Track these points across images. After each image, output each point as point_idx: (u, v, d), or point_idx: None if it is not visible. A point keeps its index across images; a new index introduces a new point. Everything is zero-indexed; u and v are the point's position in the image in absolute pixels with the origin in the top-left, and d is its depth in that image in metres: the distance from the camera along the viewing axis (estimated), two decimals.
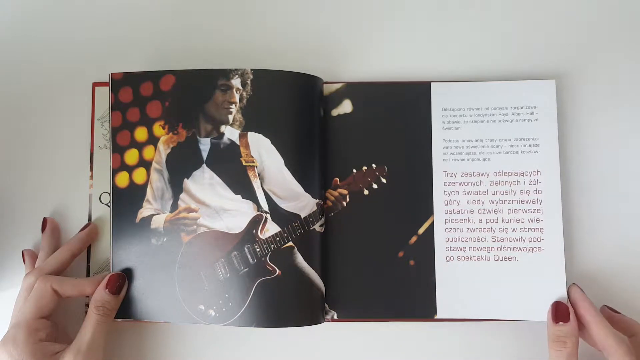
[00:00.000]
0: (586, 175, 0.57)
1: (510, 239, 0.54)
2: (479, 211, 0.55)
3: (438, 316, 0.54)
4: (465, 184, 0.55)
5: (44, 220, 0.56)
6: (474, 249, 0.54)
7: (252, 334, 0.56)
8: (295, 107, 0.54)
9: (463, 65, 0.58)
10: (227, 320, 0.52)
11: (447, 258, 0.54)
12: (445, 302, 0.54)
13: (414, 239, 0.55)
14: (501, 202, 0.55)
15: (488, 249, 0.54)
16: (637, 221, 0.56)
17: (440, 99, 0.56)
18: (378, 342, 0.56)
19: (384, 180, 0.56)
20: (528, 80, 0.56)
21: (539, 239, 0.54)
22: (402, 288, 0.54)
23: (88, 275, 0.56)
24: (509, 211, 0.55)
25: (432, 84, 0.56)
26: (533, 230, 0.54)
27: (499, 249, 0.54)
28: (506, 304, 0.53)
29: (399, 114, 0.56)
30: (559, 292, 0.53)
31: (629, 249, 0.56)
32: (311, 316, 0.52)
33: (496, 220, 0.55)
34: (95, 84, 0.58)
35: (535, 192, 0.55)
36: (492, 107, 0.56)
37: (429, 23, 0.59)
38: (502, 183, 0.55)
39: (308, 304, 0.53)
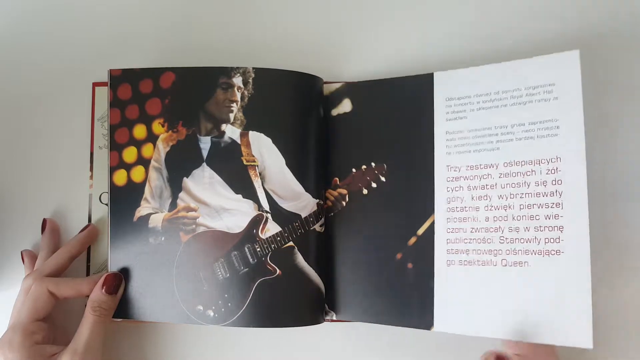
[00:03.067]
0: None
1: (522, 240, 0.48)
2: (486, 208, 0.49)
3: (435, 329, 0.50)
4: (471, 178, 0.50)
5: (44, 221, 0.56)
6: (478, 251, 0.49)
7: (252, 334, 0.55)
8: (296, 107, 0.54)
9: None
10: (227, 320, 0.51)
11: (448, 262, 0.50)
12: (443, 313, 0.50)
13: (413, 240, 0.52)
14: (512, 196, 0.48)
15: (495, 252, 0.48)
16: None
17: (443, 89, 0.52)
18: (378, 343, 0.55)
19: (383, 179, 0.54)
20: (544, 56, 0.49)
21: (558, 240, 0.46)
22: (399, 293, 0.51)
23: (88, 275, 0.56)
24: (522, 207, 0.48)
25: (435, 73, 0.53)
26: (550, 229, 0.47)
27: (507, 252, 0.48)
28: (515, 319, 0.47)
29: (400, 110, 0.54)
30: (583, 304, 0.45)
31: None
32: (311, 316, 0.51)
33: (505, 218, 0.48)
34: (95, 84, 0.58)
35: (554, 182, 0.47)
36: (502, 91, 0.50)
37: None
38: (514, 174, 0.49)
39: (308, 304, 0.52)
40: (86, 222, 0.57)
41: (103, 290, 0.51)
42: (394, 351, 0.55)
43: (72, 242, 0.54)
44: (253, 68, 0.53)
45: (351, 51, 0.58)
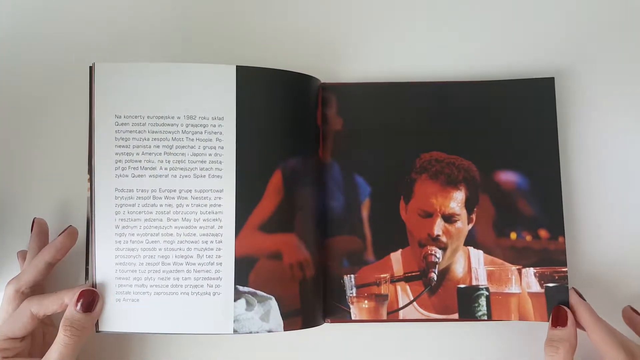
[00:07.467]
0: (587, 175, 0.57)
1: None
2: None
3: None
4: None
5: (33, 221, 0.55)
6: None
7: (251, 335, 0.55)
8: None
9: (461, 65, 0.59)
10: None
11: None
12: None
13: None
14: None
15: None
16: None
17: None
18: (378, 343, 0.55)
19: None
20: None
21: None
22: None
23: (87, 278, 0.56)
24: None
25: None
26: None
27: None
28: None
29: None
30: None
31: (633, 247, 0.56)
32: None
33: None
34: None
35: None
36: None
37: (427, 23, 0.60)
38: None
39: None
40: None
41: (78, 307, 0.48)
42: (393, 351, 0.55)
43: (47, 248, 0.51)
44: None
45: (350, 52, 0.59)
